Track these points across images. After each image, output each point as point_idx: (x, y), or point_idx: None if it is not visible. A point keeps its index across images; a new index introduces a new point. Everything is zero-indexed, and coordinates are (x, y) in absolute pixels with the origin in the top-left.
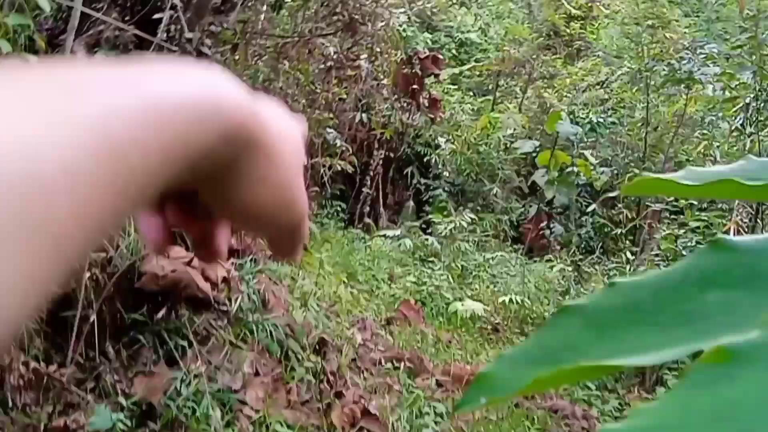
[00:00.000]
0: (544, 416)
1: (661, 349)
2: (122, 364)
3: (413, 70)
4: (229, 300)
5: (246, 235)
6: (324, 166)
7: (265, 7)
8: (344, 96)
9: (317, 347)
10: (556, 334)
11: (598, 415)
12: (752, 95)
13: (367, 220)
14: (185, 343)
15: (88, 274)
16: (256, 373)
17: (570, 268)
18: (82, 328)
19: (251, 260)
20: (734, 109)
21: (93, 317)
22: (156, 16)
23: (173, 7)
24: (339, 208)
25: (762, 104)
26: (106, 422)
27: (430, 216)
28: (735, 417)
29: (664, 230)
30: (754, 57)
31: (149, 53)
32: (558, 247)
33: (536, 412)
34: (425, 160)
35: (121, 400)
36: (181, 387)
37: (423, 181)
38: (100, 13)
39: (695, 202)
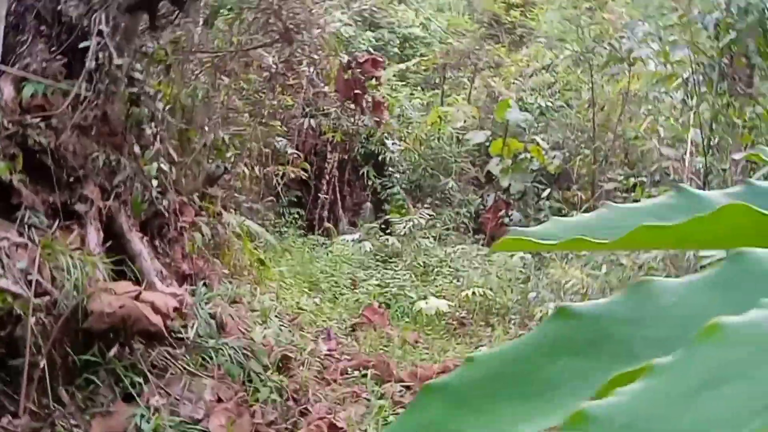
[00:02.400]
0: None
1: (521, 422)
2: (78, 407)
3: (353, 75)
4: (184, 328)
5: (197, 259)
6: (276, 174)
7: (199, 23)
8: (291, 103)
9: (280, 365)
10: (420, 416)
11: None
12: (690, 70)
13: (326, 224)
14: (141, 379)
15: (33, 319)
16: (219, 400)
17: (530, 255)
18: (32, 374)
19: (203, 284)
20: (674, 84)
21: (43, 362)
22: (83, 44)
23: (100, 33)
24: (297, 215)
25: (699, 78)
26: None
27: (388, 216)
28: None
29: None
30: (686, 34)
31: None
32: None
33: None
34: (380, 158)
35: None
36: (141, 423)
37: (379, 180)
38: (25, 46)
39: (645, 179)
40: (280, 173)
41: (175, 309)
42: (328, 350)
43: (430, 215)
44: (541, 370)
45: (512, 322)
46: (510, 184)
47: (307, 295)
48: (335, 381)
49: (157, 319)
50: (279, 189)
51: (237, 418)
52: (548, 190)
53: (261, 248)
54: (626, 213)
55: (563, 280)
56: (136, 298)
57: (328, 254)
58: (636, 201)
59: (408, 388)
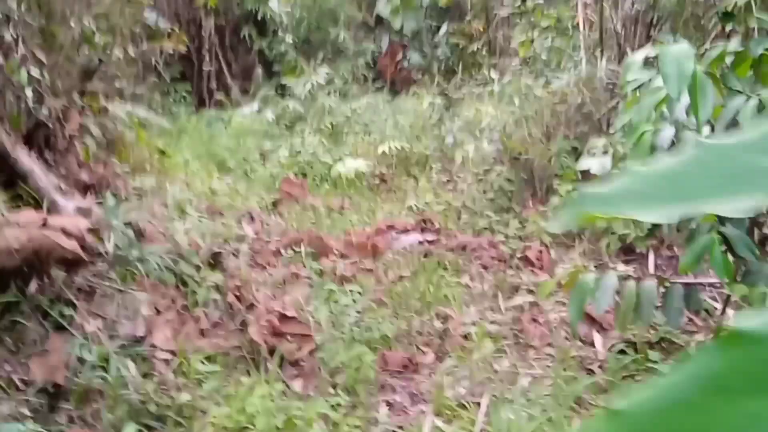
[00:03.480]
0: (455, 258)
1: None
2: (10, 351)
3: None
4: (102, 244)
5: (95, 164)
6: (153, 52)
7: None
8: None
9: (211, 261)
10: None
11: (504, 239)
12: None
13: (217, 96)
14: (70, 308)
15: None
16: (158, 312)
17: (438, 99)
18: None
19: (110, 192)
20: None
21: None
22: None
23: None
24: (185, 92)
25: None
26: None
27: (282, 80)
28: None
29: (519, 37)
30: None
31: None
32: (420, 76)
33: (447, 256)
34: (259, 17)
35: (24, 392)
36: (82, 353)
37: (264, 41)
38: None
39: (542, 1)
40: (158, 50)
41: (89, 229)
42: (255, 232)
43: (327, 73)
44: (714, 418)
45: (433, 170)
46: (402, 25)
47: (218, 177)
48: (270, 264)
49: (71, 244)
50: (159, 68)
51: (181, 326)
52: (443, 26)
53: (156, 136)
54: (727, 151)
55: (478, 119)
56: (44, 225)
57: (227, 129)
58: (535, 25)
59: (344, 257)
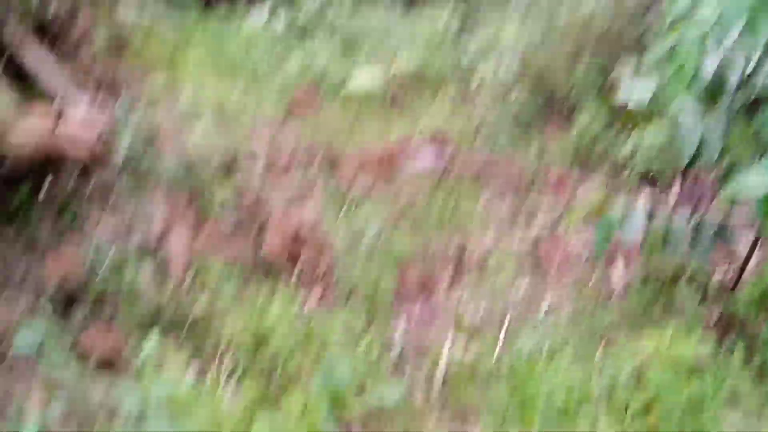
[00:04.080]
0: (472, 179)
1: None
2: (24, 250)
3: None
4: (115, 148)
5: (106, 63)
6: None
7: None
8: None
9: (227, 167)
10: None
11: (523, 162)
12: None
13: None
14: (84, 211)
15: None
16: (173, 217)
17: (456, 16)
18: None
19: (124, 93)
20: None
21: None
22: None
23: None
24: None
25: None
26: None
27: None
28: None
29: None
30: None
31: None
32: None
33: (464, 178)
34: None
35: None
36: (97, 257)
37: None
38: None
39: None
40: None
41: (101, 134)
42: (268, 144)
43: None
44: None
45: (450, 90)
46: None
47: (229, 86)
48: (285, 176)
49: (83, 145)
50: None
51: (196, 234)
52: None
53: (163, 42)
54: None
55: (498, 38)
56: (56, 126)
57: (236, 39)
58: None
59: (360, 173)
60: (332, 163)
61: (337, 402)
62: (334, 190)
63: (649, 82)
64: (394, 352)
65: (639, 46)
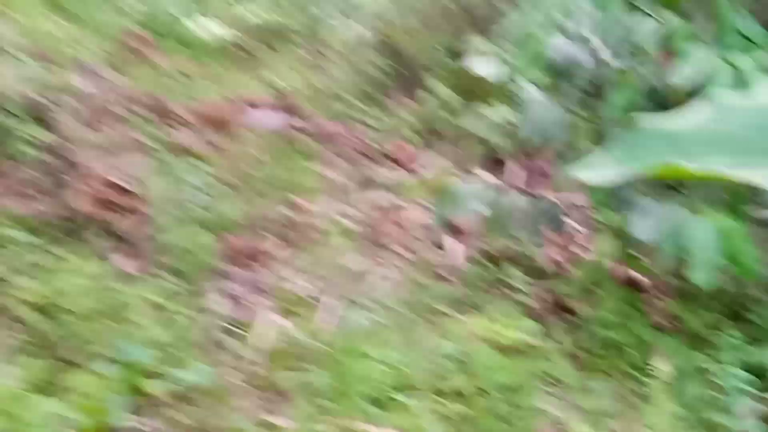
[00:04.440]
0: (314, 144)
1: None
2: None
3: None
4: None
5: None
6: None
7: None
8: None
9: (33, 112)
10: None
11: (368, 130)
12: None
13: None
14: None
15: None
16: None
17: None
18: None
19: None
20: None
21: None
22: None
23: None
24: None
25: None
26: None
27: None
28: None
29: None
30: None
31: None
32: None
33: (305, 141)
34: None
35: None
36: None
37: None
38: None
39: None
40: None
41: None
42: (88, 87)
43: None
44: None
45: (299, 46)
46: None
47: (49, 16)
48: (103, 125)
49: None
50: None
51: None
52: None
53: None
54: None
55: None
56: None
57: None
58: None
59: (192, 128)
60: (160, 114)
61: (132, 384)
62: (159, 144)
63: (497, 60)
64: (207, 327)
65: (491, 22)
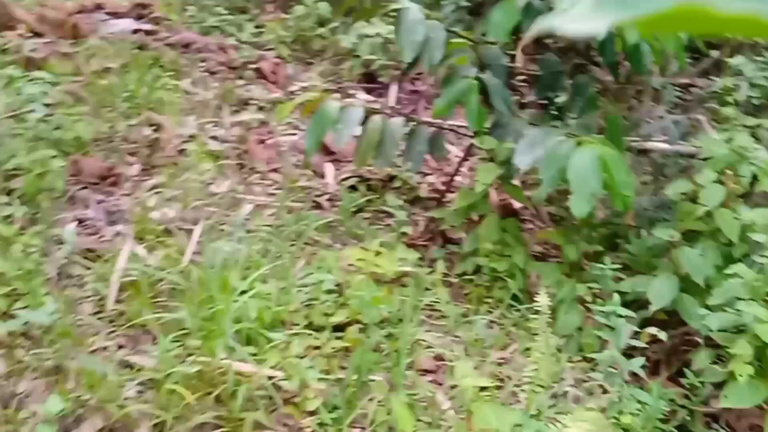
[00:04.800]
0: (176, 56)
1: None
2: None
3: None
4: None
5: None
6: None
7: None
8: None
9: None
10: None
11: (236, 44)
12: None
13: None
14: None
15: None
16: None
17: None
18: None
19: None
20: None
21: None
22: None
23: None
24: None
25: None
26: None
27: None
28: None
29: None
30: None
31: None
32: None
33: (166, 53)
34: None
35: None
36: None
37: None
38: None
39: None
40: None
41: None
42: None
43: None
44: None
45: None
46: None
47: None
48: None
49: None
50: None
51: None
52: None
53: None
54: None
55: None
56: None
57: None
58: None
59: (36, 35)
60: (3, 18)
61: None
62: (0, 54)
63: None
64: (59, 256)
65: None
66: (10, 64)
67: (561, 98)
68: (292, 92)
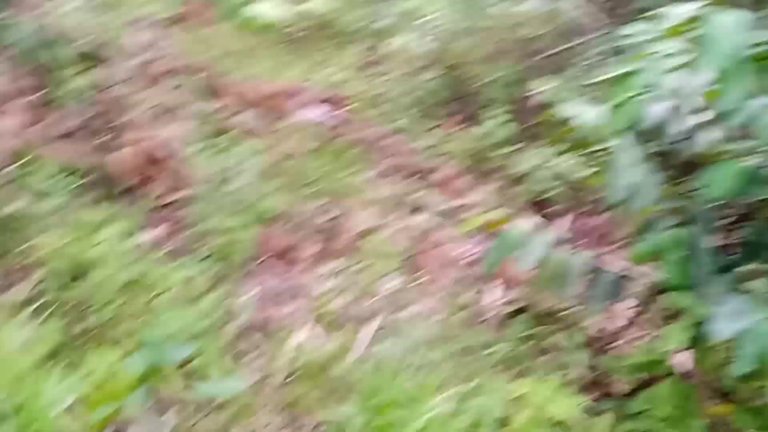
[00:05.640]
0: (363, 149)
1: None
2: None
3: None
4: None
5: None
6: None
7: None
8: None
9: (90, 56)
10: None
11: (420, 147)
12: None
13: None
14: None
15: None
16: (10, 92)
17: None
18: None
19: None
20: None
21: None
22: None
23: None
24: None
25: None
26: None
27: None
28: None
29: None
30: None
31: None
32: None
33: (354, 144)
34: None
35: None
36: None
37: None
38: None
39: None
40: None
41: None
42: (147, 44)
43: None
44: None
45: (359, 46)
46: None
47: None
48: (156, 85)
49: None
50: None
51: (36, 118)
52: None
53: None
54: None
55: (420, 12)
56: None
57: None
58: None
59: (242, 107)
60: (211, 87)
61: (155, 372)
62: (207, 118)
63: (593, 108)
64: (237, 324)
65: (559, 65)
66: (216, 128)
67: None
68: (463, 205)
